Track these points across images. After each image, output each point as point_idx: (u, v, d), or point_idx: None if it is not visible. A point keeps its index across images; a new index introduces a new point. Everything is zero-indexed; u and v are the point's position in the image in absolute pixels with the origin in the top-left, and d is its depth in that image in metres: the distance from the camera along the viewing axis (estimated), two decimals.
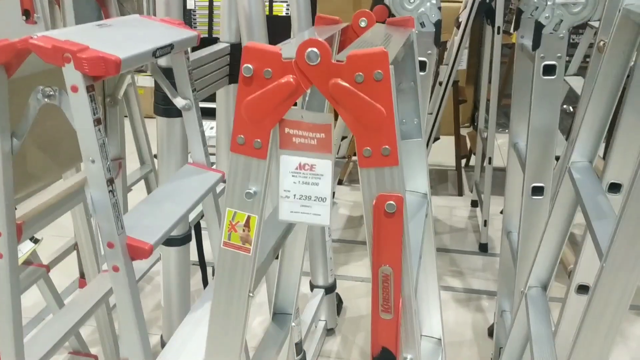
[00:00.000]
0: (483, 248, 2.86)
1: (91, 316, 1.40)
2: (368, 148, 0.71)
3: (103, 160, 0.94)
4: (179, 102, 1.28)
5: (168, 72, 1.33)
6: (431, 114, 2.76)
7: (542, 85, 1.37)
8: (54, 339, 1.27)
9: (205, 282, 1.97)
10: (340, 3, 4.23)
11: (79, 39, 0.93)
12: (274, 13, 4.50)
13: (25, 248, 1.52)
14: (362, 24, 1.04)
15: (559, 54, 1.35)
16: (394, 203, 0.72)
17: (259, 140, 0.75)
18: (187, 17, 4.62)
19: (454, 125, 3.47)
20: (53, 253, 2.12)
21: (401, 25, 1.03)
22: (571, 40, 4.08)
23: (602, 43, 1.55)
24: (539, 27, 1.33)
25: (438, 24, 1.35)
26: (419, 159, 1.10)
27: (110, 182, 0.97)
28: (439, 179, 3.75)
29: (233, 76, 1.84)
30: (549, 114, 1.39)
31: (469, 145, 3.82)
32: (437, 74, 3.01)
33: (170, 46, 1.11)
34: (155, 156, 2.36)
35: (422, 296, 1.22)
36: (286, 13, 4.38)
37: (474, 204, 3.34)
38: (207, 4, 4.64)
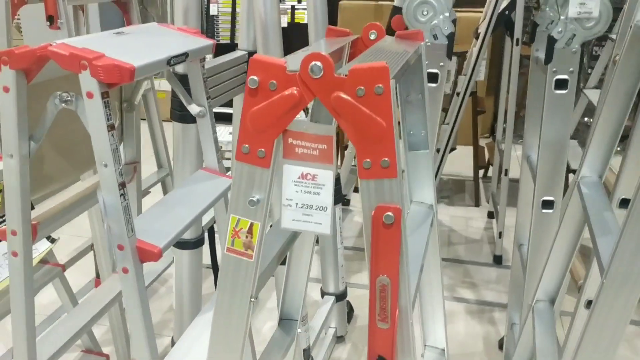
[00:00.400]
0: (497, 260, 2.84)
1: (102, 316, 1.44)
2: (368, 160, 0.73)
3: (115, 165, 0.97)
4: (193, 108, 1.31)
5: (185, 79, 1.36)
6: (448, 124, 2.76)
7: (554, 100, 1.37)
8: (66, 337, 1.30)
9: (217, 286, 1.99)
10: (361, 11, 4.25)
11: (95, 46, 0.96)
12: (296, 20, 4.55)
13: (42, 247, 1.57)
14: (372, 37, 1.06)
15: (571, 69, 1.35)
16: (392, 214, 0.73)
17: (262, 149, 0.77)
18: (210, 23, 4.69)
19: (472, 135, 3.47)
20: (71, 252, 2.17)
21: (410, 39, 1.05)
22: (593, 53, 4.05)
23: (617, 57, 1.54)
24: (551, 41, 1.33)
25: (451, 37, 1.36)
26: (426, 171, 1.11)
27: (122, 186, 1.00)
28: (457, 189, 3.74)
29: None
30: (560, 128, 1.39)
31: (487, 156, 3.80)
32: (455, 85, 3.01)
33: (185, 55, 1.14)
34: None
35: (427, 307, 1.23)
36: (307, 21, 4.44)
37: (491, 215, 3.32)
38: (230, 10, 4.71)
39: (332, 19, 4.50)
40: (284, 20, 4.57)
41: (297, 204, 0.79)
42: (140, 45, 1.08)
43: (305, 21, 4.39)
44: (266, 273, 0.93)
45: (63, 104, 1.00)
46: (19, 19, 4.28)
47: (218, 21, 4.69)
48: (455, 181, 3.86)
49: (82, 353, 1.76)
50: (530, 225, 1.57)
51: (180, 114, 1.53)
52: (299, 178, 0.78)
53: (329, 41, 1.05)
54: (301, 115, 0.75)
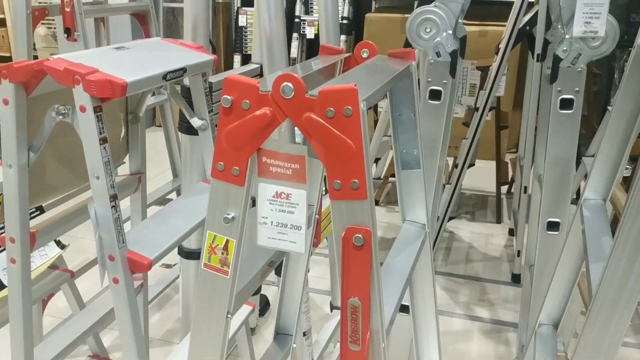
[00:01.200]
0: (516, 279, 2.78)
1: (108, 322, 1.46)
2: (338, 181, 0.73)
3: (107, 177, 1.00)
4: (195, 122, 1.33)
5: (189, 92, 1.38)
6: (467, 139, 2.73)
7: (559, 119, 1.35)
8: (67, 342, 1.33)
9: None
10: (388, 24, 4.25)
11: (91, 62, 0.99)
12: (315, 32, 4.57)
13: (51, 253, 1.61)
14: (364, 55, 1.06)
15: (576, 88, 1.32)
16: (361, 236, 0.73)
17: (237, 167, 0.77)
18: (239, 34, 4.76)
19: (495, 151, 3.42)
20: (89, 257, 2.22)
21: (402, 58, 1.04)
22: (624, 68, 3.95)
23: None
24: (556, 60, 1.31)
25: (454, 54, 1.35)
26: (418, 190, 1.10)
27: (114, 198, 1.02)
28: (479, 205, 3.69)
29: None
30: (566, 149, 1.36)
31: (511, 172, 3.74)
32: (477, 99, 2.98)
33: (183, 70, 1.16)
34: None
35: (421, 326, 1.22)
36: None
37: (511, 232, 3.26)
38: None
39: (359, 32, 4.51)
40: (311, 32, 4.61)
41: (272, 222, 0.80)
42: (137, 60, 1.10)
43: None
44: (247, 289, 0.93)
45: (60, 117, 1.03)
46: (54, 28, 4.42)
47: (247, 32, 4.75)
48: (478, 196, 3.81)
49: (89, 358, 1.80)
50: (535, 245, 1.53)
51: (188, 126, 1.55)
52: (273, 197, 0.78)
53: (321, 59, 1.06)
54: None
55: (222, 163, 0.78)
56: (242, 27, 4.75)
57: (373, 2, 4.68)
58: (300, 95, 0.72)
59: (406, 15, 4.50)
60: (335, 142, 0.71)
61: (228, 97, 0.74)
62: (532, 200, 1.75)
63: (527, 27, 2.50)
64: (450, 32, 1.34)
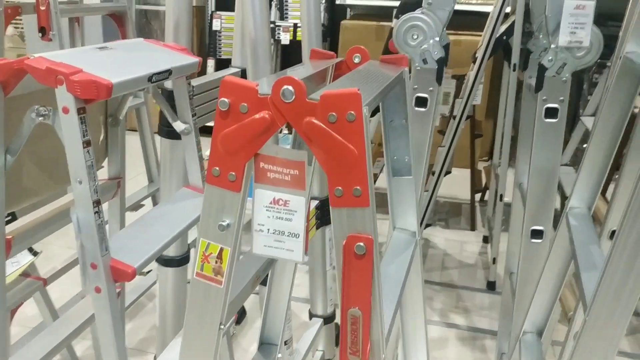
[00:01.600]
0: (491, 286, 2.81)
1: (80, 333, 1.41)
2: (339, 188, 0.71)
3: (90, 182, 0.96)
4: (178, 125, 1.30)
5: (172, 95, 1.34)
6: (443, 147, 2.74)
7: (544, 128, 1.36)
8: (41, 354, 1.27)
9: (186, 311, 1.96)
10: (363, 32, 4.26)
11: (74, 61, 0.95)
12: (297, 38, 4.56)
13: (23, 260, 1.54)
14: (356, 60, 1.04)
15: (561, 98, 1.33)
16: (363, 245, 0.71)
17: (233, 173, 0.75)
18: (213, 39, 4.71)
19: (470, 159, 3.45)
20: (61, 263, 2.15)
21: (394, 63, 1.03)
22: (593, 80, 4.04)
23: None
24: (541, 69, 1.32)
25: (440, 61, 1.35)
26: (409, 197, 1.09)
27: (97, 203, 0.98)
28: (453, 213, 3.72)
29: None
30: (551, 157, 1.37)
31: (484, 179, 3.78)
32: (453, 107, 3.00)
33: (168, 72, 1.12)
34: None
35: (409, 335, 1.20)
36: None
37: (486, 239, 3.29)
38: (233, 26, 4.73)
39: (334, 39, 4.51)
40: (286, 38, 4.59)
41: (268, 229, 0.77)
42: (121, 61, 1.07)
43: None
44: (239, 299, 0.90)
45: (40, 118, 0.99)
46: (22, 28, 4.30)
47: (220, 37, 4.71)
48: (452, 204, 3.83)
49: None
50: (519, 253, 1.54)
51: (168, 130, 1.51)
52: (270, 203, 0.76)
53: (312, 63, 1.04)
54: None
55: (217, 168, 0.75)
56: (216, 31, 4.70)
57: (348, 10, 4.69)
58: (301, 99, 0.70)
59: (382, 22, 4.52)
60: (337, 147, 0.70)
61: (225, 100, 0.72)
62: (513, 209, 1.76)
63: (504, 37, 2.53)
64: (437, 39, 1.34)
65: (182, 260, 1.69)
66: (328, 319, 2.12)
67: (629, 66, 1.13)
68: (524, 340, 1.37)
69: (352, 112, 0.68)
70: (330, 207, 0.72)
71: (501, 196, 2.71)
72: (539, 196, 1.41)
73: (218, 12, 4.65)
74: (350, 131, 0.69)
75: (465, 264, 3.08)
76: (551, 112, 1.34)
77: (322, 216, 1.93)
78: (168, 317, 1.74)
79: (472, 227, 3.46)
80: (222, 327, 0.82)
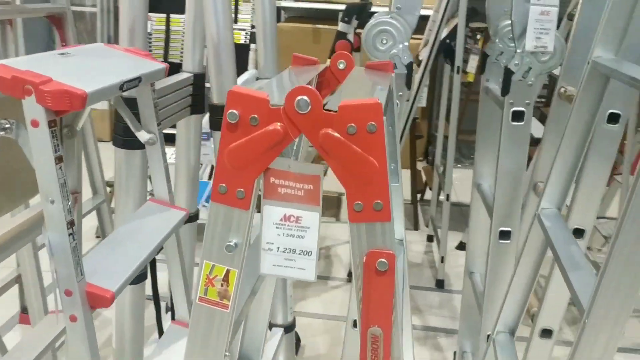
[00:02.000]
0: (440, 284, 2.86)
1: None
2: (359, 202, 0.68)
3: (64, 202, 0.87)
4: (142, 135, 1.22)
5: (131, 103, 1.26)
6: None
7: (511, 131, 1.38)
8: None
9: (159, 320, 1.87)
10: (300, 34, 4.24)
11: (40, 69, 0.86)
12: (237, 41, 4.47)
13: None
14: (341, 66, 1.01)
15: (527, 101, 1.36)
16: (385, 261, 0.68)
17: (242, 189, 0.70)
18: None
19: (410, 159, 3.50)
20: None
21: (380, 69, 1.01)
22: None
23: (562, 89, 1.58)
24: (508, 73, 1.34)
25: (410, 66, 1.35)
26: (396, 205, 1.07)
27: (71, 224, 0.89)
28: None
29: (195, 107, 1.79)
30: (517, 159, 1.40)
31: (424, 179, 3.85)
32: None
33: (138, 79, 1.05)
34: (109, 185, 2.26)
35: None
36: (244, 41, 4.37)
37: (430, 238, 3.35)
38: (164, 27, 4.57)
39: None
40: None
41: (278, 248, 0.73)
42: (89, 69, 0.99)
43: (242, 41, 4.34)
44: (237, 322, 0.85)
45: (1, 132, 0.89)
46: None
47: (151, 39, 4.54)
48: None
49: None
50: (484, 253, 1.57)
51: (125, 140, 1.42)
52: (281, 220, 0.72)
53: (294, 70, 1.00)
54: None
55: (224, 185, 0.70)
56: (148, 33, 4.53)
57: (282, 12, 4.66)
58: (317, 110, 0.66)
59: (317, 25, 4.51)
60: (356, 160, 0.66)
61: (235, 111, 0.67)
62: (473, 209, 1.79)
63: (447, 40, 2.58)
64: (407, 44, 1.34)
65: (140, 277, 1.60)
66: (288, 328, 2.08)
67: (596, 70, 1.17)
68: (497, 340, 1.39)
69: (373, 122, 0.65)
70: (349, 223, 0.69)
71: (448, 196, 2.76)
72: (506, 197, 1.44)
73: (149, 14, 4.48)
74: (371, 143, 0.66)
75: (412, 263, 3.12)
76: (518, 116, 1.37)
77: None
78: (126, 337, 1.64)
79: (415, 227, 3.52)
80: (227, 354, 0.77)
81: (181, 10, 1.96)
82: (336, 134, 0.66)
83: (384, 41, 1.34)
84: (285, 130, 0.68)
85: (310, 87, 0.66)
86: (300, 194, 0.70)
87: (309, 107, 0.66)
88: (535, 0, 1.25)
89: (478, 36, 3.07)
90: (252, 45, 4.29)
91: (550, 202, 1.29)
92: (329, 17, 4.23)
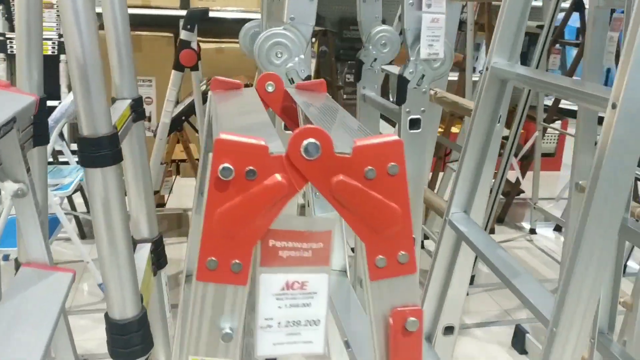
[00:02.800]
0: None
1: None
2: (382, 257, 0.58)
3: None
4: (8, 187, 0.96)
5: None
6: None
7: (409, 139, 1.38)
8: None
9: None
10: (135, 42, 3.87)
11: None
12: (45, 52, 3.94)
13: None
14: (269, 89, 0.89)
15: (422, 108, 1.37)
16: (415, 319, 0.59)
17: (238, 261, 0.56)
18: None
19: None
20: None
21: (312, 90, 0.91)
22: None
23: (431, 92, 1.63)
24: (403, 82, 1.33)
25: (308, 80, 1.26)
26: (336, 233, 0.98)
27: None
28: None
29: (39, 137, 1.50)
30: (417, 167, 1.40)
31: None
32: None
33: (13, 120, 0.81)
34: None
35: None
36: (52, 52, 3.88)
37: None
38: None
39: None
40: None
41: (279, 323, 0.60)
42: None
43: (49, 52, 3.85)
44: None
45: None
46: None
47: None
48: None
49: None
50: None
51: None
52: (282, 289, 0.59)
53: (216, 97, 0.86)
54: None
55: (214, 259, 0.55)
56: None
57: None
58: (328, 154, 0.55)
59: (137, 32, 4.16)
60: (377, 209, 0.57)
61: (229, 166, 0.53)
62: None
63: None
64: (303, 56, 1.25)
65: None
66: None
67: (495, 75, 1.20)
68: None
69: (395, 163, 0.56)
70: (369, 281, 0.59)
71: None
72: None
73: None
74: (393, 187, 0.57)
75: None
76: (414, 123, 1.37)
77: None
78: None
79: None
80: None
81: None
82: (353, 181, 0.56)
83: (279, 54, 1.23)
84: (290, 181, 0.55)
85: (319, 127, 0.54)
86: (307, 255, 0.58)
87: (319, 152, 0.55)
88: (426, 8, 1.25)
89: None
90: (62, 57, 3.84)
91: (457, 207, 1.30)
92: (148, 23, 3.92)
